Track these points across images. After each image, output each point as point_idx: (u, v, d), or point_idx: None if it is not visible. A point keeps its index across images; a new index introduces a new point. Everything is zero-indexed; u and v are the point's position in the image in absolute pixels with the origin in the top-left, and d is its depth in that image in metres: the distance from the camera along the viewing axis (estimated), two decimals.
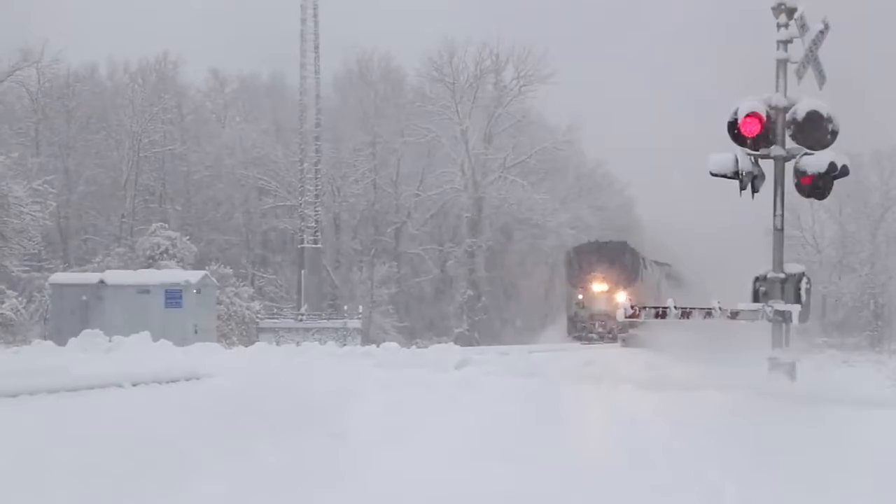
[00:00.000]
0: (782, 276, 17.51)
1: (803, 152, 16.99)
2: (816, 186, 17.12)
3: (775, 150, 17.19)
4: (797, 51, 17.31)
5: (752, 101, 17.04)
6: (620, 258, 57.76)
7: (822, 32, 17.11)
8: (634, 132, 78.90)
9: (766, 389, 15.10)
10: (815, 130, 16.90)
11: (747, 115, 16.99)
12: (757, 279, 17.64)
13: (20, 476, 7.81)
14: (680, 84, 78.04)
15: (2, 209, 37.66)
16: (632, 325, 42.11)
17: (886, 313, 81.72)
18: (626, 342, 46.52)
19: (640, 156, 77.04)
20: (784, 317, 17.35)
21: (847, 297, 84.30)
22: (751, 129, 17.03)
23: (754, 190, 17.35)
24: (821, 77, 17.27)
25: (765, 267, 17.70)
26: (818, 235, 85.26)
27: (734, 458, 8.80)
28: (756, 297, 17.60)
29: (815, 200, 17.77)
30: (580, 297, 57.22)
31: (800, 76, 17.22)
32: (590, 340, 53.82)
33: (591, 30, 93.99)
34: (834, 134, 16.88)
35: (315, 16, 65.61)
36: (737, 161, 17.12)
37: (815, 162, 16.88)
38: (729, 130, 17.14)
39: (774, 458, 8.96)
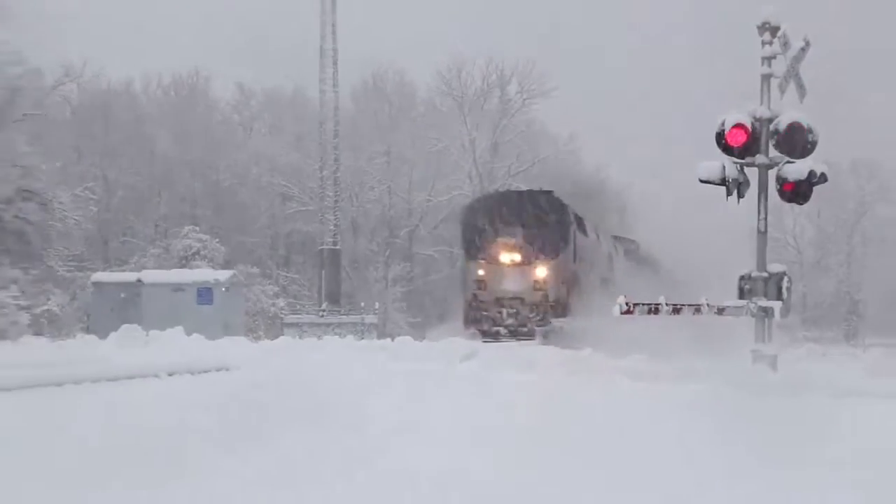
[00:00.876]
0: (765, 275, 17.59)
1: (785, 161, 17.05)
2: (797, 192, 17.20)
3: (759, 158, 17.27)
4: (782, 66, 17.41)
5: (737, 114, 17.13)
6: (540, 216, 36.02)
7: (803, 49, 17.18)
8: (631, 139, 77.79)
9: (752, 380, 15.16)
10: (791, 147, 17.01)
11: (734, 126, 17.07)
12: (742, 278, 17.73)
13: (63, 461, 7.85)
14: (675, 92, 77.46)
15: (47, 214, 37.78)
16: (554, 317, 34.22)
17: (861, 309, 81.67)
18: (547, 338, 32.24)
19: (636, 161, 74.34)
20: (767, 312, 17.41)
21: (825, 294, 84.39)
22: (738, 139, 17.12)
23: (740, 195, 17.43)
24: (802, 91, 17.33)
25: (749, 266, 17.78)
26: (798, 237, 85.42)
27: (735, 446, 8.86)
28: (741, 295, 17.69)
29: (796, 205, 17.80)
30: (481, 272, 35.63)
31: (782, 90, 17.30)
32: (496, 336, 34.57)
33: (589, 41, 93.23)
34: (813, 144, 16.93)
35: (333, 34, 65.40)
36: (724, 169, 17.22)
37: (796, 170, 16.95)
38: (717, 140, 17.22)
39: (764, 440, 9.04)
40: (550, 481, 8.06)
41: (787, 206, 18.16)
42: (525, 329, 34.10)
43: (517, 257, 35.74)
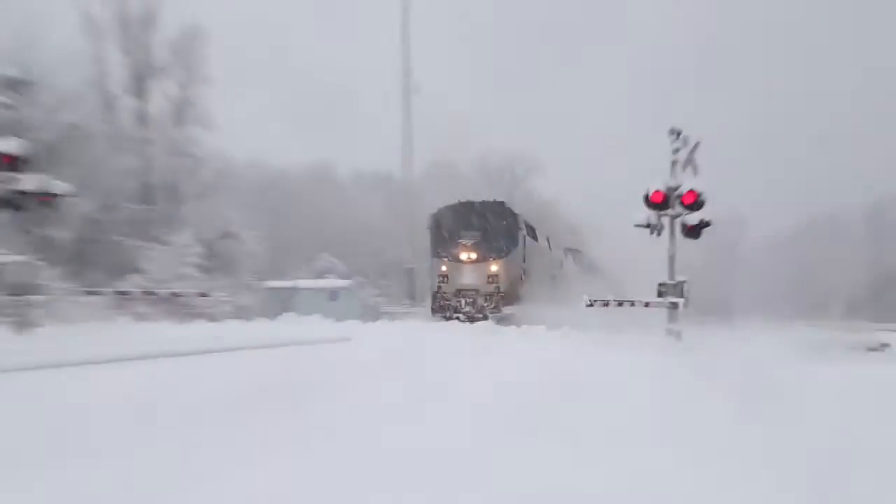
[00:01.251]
0: (674, 282, 17.56)
1: (685, 212, 17.08)
2: (692, 232, 17.24)
3: (670, 211, 17.32)
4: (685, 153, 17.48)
5: (657, 183, 17.22)
6: (494, 221, 29.51)
7: (696, 145, 17.20)
8: (594, 187, 75.62)
9: (673, 346, 15.19)
10: (693, 205, 17.03)
11: (655, 191, 17.12)
12: (660, 284, 17.69)
13: (265, 381, 8.12)
14: (624, 155, 75.51)
15: (240, 246, 38.22)
16: (506, 304, 27.69)
17: (730, 304, 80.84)
18: (499, 323, 24.86)
19: (596, 203, 70.98)
20: (675, 305, 17.39)
21: (711, 294, 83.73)
22: (657, 199, 17.16)
23: (658, 233, 17.46)
24: (695, 171, 17.32)
25: (664, 276, 17.77)
26: (694, 259, 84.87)
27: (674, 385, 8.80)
28: (659, 294, 17.66)
29: (692, 240, 17.76)
30: (444, 268, 29.27)
31: (683, 170, 17.30)
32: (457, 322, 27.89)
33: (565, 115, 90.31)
34: (702, 203, 16.95)
35: (409, 135, 65.44)
36: (648, 217, 17.29)
37: (692, 218, 17.01)
38: (644, 199, 17.29)
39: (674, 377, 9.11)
40: (553, 379, 8.21)
41: (687, 240, 18.04)
42: (480, 315, 27.66)
43: (473, 256, 28.78)
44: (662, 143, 18.04)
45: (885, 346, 14.80)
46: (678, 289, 17.60)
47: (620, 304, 18.44)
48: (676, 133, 17.33)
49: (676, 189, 17.19)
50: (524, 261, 30.08)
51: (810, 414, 6.86)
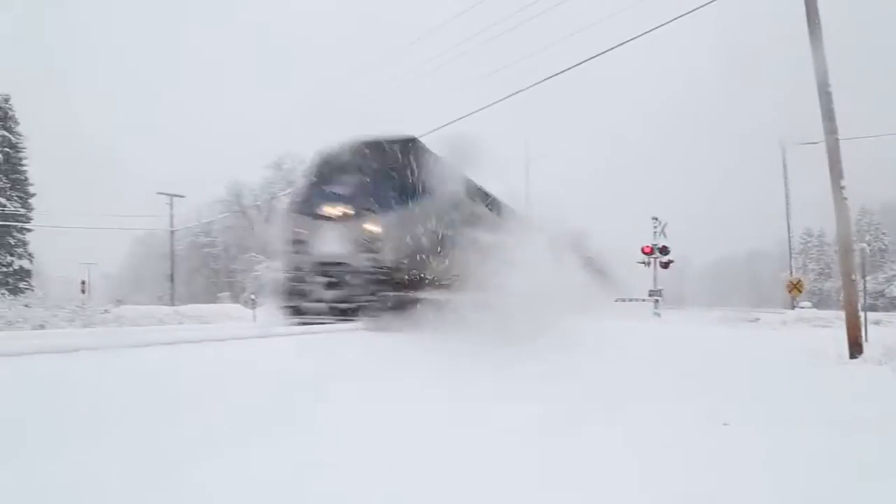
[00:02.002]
0: (656, 289, 17.26)
1: (661, 256, 16.95)
2: (665, 266, 17.03)
3: (654, 255, 16.94)
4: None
5: (647, 242, 17.10)
6: (389, 163, 3.82)
7: (665, 224, 16.91)
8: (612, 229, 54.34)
9: (657, 319, 14.88)
10: (664, 252, 16.92)
11: (646, 246, 17.11)
12: (650, 290, 17.32)
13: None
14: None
15: None
16: (397, 289, 5.00)
17: (683, 301, 71.86)
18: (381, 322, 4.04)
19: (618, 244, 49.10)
20: (657, 301, 17.06)
21: (673, 296, 75.03)
22: (647, 251, 17.05)
23: (648, 266, 17.25)
24: (665, 236, 16.96)
25: (651, 286, 17.38)
26: (665, 277, 76.11)
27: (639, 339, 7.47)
28: (650, 295, 17.35)
29: (664, 270, 17.33)
30: (297, 229, 4.08)
31: (660, 236, 17.03)
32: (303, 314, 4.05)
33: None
34: (668, 251, 16.82)
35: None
36: (644, 258, 17.18)
37: (664, 259, 16.81)
38: (641, 250, 17.21)
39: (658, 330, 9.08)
40: (614, 328, 7.81)
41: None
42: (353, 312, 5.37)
43: (341, 210, 5.56)
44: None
45: (757, 319, 14.06)
46: (658, 292, 17.36)
47: (632, 300, 18.20)
48: (655, 218, 17.42)
49: (657, 245, 17.20)
50: (450, 228, 6.19)
51: (690, 339, 7.54)
